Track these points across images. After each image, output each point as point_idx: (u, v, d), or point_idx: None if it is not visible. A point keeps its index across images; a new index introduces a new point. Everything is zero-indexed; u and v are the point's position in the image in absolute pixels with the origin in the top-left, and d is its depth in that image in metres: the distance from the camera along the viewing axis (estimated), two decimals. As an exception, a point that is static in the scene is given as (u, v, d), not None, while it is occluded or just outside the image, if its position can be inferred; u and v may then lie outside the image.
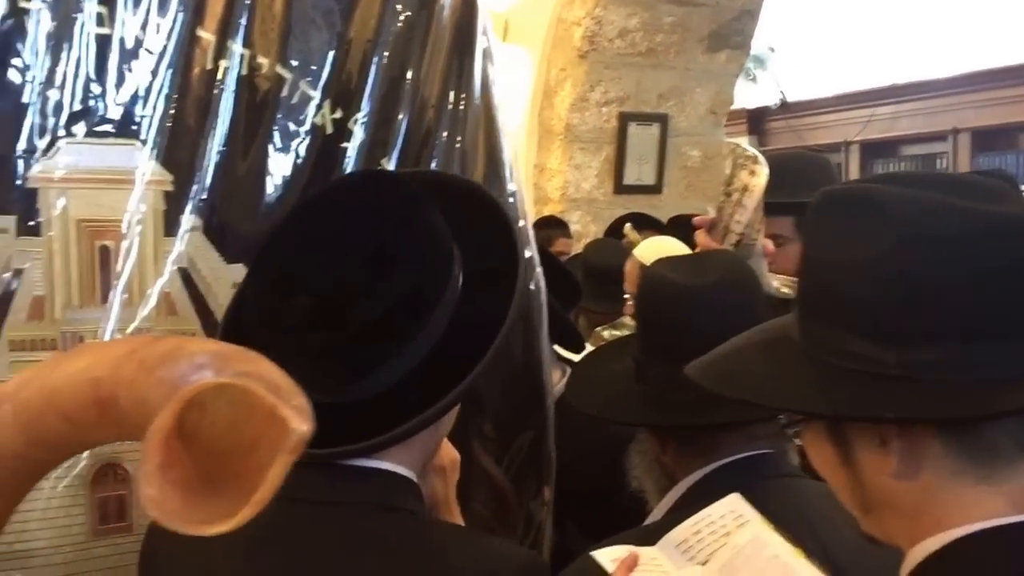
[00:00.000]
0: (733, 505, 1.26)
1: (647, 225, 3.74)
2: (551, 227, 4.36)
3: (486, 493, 1.28)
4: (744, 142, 4.64)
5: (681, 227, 2.81)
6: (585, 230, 4.86)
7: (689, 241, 2.24)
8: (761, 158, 2.03)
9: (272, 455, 0.68)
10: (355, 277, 1.15)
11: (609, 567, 1.25)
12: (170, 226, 1.60)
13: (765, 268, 2.02)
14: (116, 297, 1.55)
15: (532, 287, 1.92)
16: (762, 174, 1.98)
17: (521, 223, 1.93)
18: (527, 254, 1.91)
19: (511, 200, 1.92)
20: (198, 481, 0.70)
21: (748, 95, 8.95)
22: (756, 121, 9.81)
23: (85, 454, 1.53)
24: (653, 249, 2.81)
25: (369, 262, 1.16)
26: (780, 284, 2.03)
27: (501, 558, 1.17)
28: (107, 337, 1.54)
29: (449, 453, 1.34)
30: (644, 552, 1.26)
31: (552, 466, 1.95)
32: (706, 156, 5.35)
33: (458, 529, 1.24)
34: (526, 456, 1.91)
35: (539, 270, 1.94)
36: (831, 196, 1.01)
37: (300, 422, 0.69)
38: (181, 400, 0.69)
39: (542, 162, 5.07)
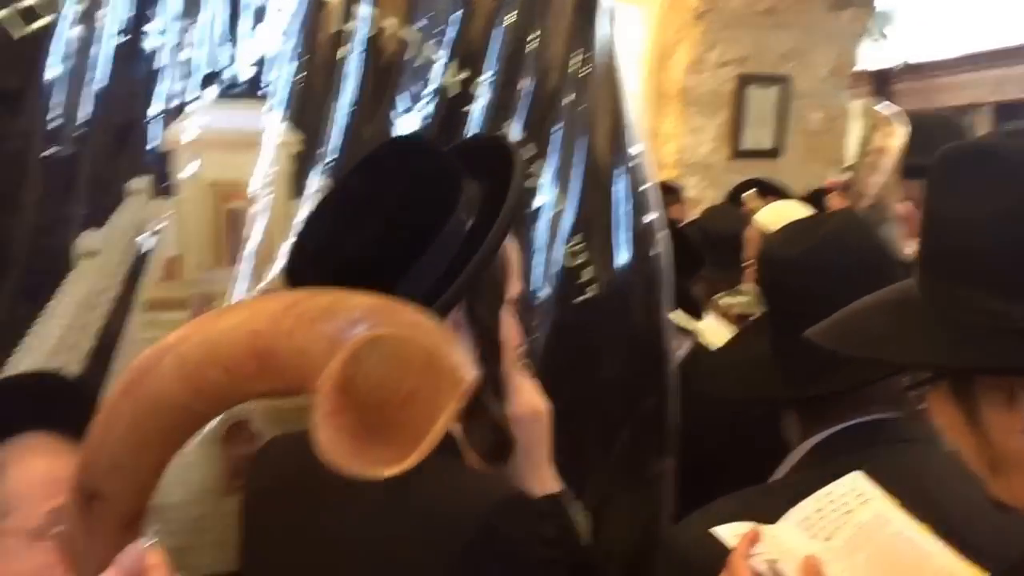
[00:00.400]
0: (855, 483, 1.23)
1: (769, 191, 3.64)
2: (664, 193, 4.27)
3: (487, 436, 1.27)
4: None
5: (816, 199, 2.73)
6: (701, 196, 4.76)
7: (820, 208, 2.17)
8: (897, 120, 1.94)
9: (436, 403, 0.71)
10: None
11: (731, 542, 1.23)
12: (298, 188, 1.61)
13: (899, 232, 1.94)
14: (245, 259, 1.57)
15: (654, 252, 1.89)
16: (898, 136, 1.90)
17: (647, 185, 1.89)
18: (651, 216, 1.88)
19: (636, 163, 1.88)
20: (362, 428, 0.72)
21: (872, 55, 8.63)
22: (881, 83, 9.46)
23: (218, 413, 1.56)
24: (775, 215, 2.73)
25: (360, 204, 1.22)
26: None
27: (478, 492, 1.17)
28: (236, 299, 1.57)
29: (530, 401, 1.34)
30: (766, 529, 1.23)
31: (673, 434, 1.92)
32: (828, 119, 5.17)
33: (449, 466, 1.21)
34: (646, 423, 1.89)
35: (662, 234, 1.90)
36: (955, 153, 1.01)
37: (468, 370, 0.72)
38: (350, 350, 0.71)
39: (656, 127, 4.98)
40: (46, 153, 1.47)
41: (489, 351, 1.26)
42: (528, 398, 1.34)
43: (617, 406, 1.87)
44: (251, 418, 1.59)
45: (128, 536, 0.85)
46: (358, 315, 0.75)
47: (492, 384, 1.26)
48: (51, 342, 1.46)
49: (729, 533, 1.24)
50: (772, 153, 5.05)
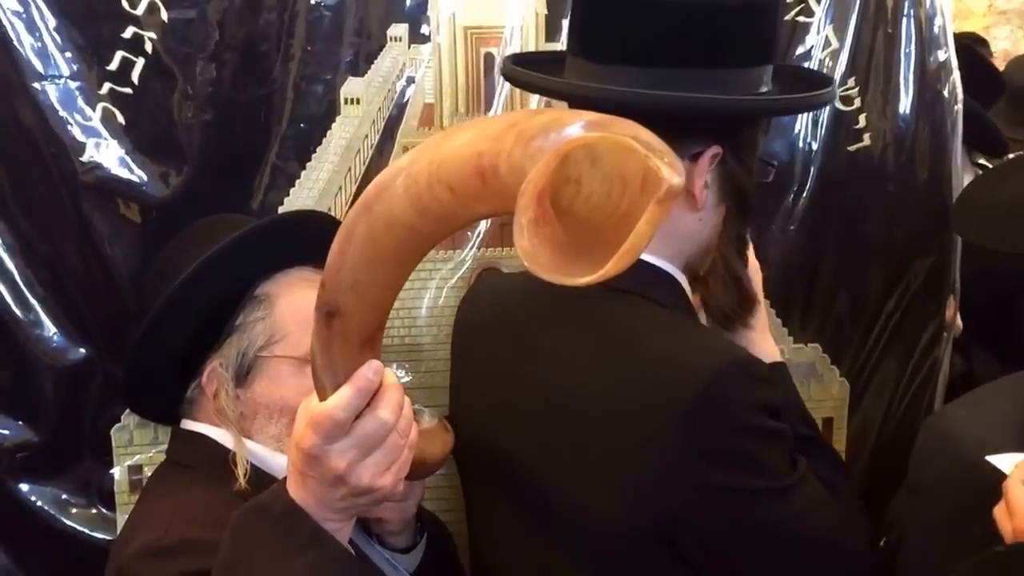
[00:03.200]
0: None
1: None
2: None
3: (728, 294, 1.18)
4: None
5: None
6: (1015, 48, 4.24)
7: None
8: None
9: (639, 207, 0.69)
10: None
11: (1007, 470, 1.13)
12: (552, 31, 1.58)
13: None
14: (498, 103, 1.57)
15: (944, 95, 1.70)
16: None
17: (939, 22, 1.70)
18: (942, 56, 1.69)
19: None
20: (570, 246, 0.72)
21: None
22: None
23: (468, 258, 1.60)
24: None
25: None
26: None
27: (702, 347, 1.10)
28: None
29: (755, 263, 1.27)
30: None
31: (954, 295, 1.76)
32: None
33: (678, 320, 1.16)
34: (923, 283, 1.74)
35: (955, 76, 1.71)
36: None
37: (672, 174, 0.68)
38: (557, 155, 0.70)
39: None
40: (314, 1, 1.52)
41: (738, 204, 1.18)
42: (753, 260, 1.29)
43: (887, 267, 1.73)
44: (500, 264, 1.61)
45: (365, 355, 0.89)
46: (573, 128, 0.74)
47: (737, 240, 1.20)
48: (320, 185, 1.55)
49: (1008, 463, 1.16)
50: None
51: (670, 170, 0.69)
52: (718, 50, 1.10)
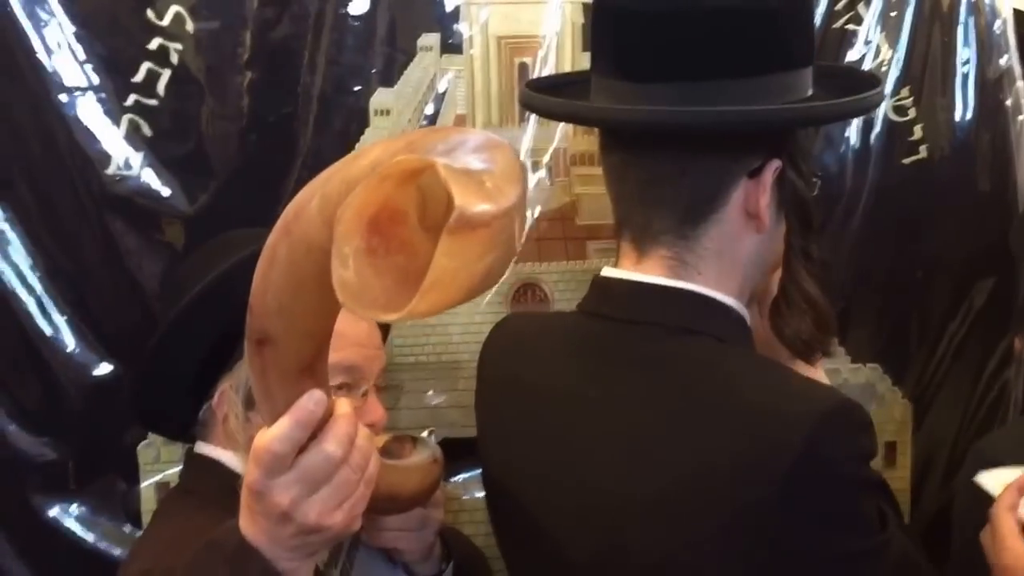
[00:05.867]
0: None
1: None
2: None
3: (803, 320, 1.08)
4: None
5: None
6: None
7: None
8: None
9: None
10: None
11: (995, 491, 1.09)
12: (587, 40, 1.51)
13: None
14: (532, 115, 1.52)
15: (1009, 103, 1.61)
16: None
17: (999, 27, 1.61)
18: (1004, 64, 1.60)
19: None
20: (413, 271, 0.65)
21: None
22: None
23: (508, 273, 1.55)
24: None
25: None
26: None
27: (799, 394, 0.96)
28: (523, 156, 1.52)
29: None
30: None
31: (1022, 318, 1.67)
32: None
33: (764, 361, 1.05)
34: (987, 302, 1.65)
35: (1019, 84, 1.62)
36: None
37: (473, 201, 0.62)
38: (378, 179, 0.65)
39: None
40: (343, 10, 1.48)
41: (801, 219, 1.09)
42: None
43: (948, 285, 1.65)
44: (540, 281, 1.56)
45: (304, 383, 0.83)
46: (444, 147, 0.68)
47: (804, 259, 1.11)
48: (347, 200, 1.50)
49: (994, 482, 1.10)
50: None
51: (476, 197, 0.62)
52: (761, 56, 1.02)
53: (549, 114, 1.19)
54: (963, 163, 1.61)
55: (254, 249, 1.26)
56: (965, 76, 1.60)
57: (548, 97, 1.12)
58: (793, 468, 0.90)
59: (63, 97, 1.45)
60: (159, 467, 1.54)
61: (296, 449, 0.82)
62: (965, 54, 1.59)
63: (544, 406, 1.11)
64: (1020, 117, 1.62)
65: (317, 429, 0.83)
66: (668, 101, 0.99)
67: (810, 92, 1.06)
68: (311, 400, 0.82)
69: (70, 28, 1.44)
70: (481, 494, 1.55)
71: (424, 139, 0.70)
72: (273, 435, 0.82)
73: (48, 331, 1.50)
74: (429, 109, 1.52)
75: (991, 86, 1.60)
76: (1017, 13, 1.61)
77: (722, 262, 1.04)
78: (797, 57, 1.04)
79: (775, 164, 1.02)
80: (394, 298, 0.65)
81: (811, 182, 1.10)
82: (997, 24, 1.60)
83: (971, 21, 1.59)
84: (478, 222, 0.62)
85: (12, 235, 1.48)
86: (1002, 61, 1.60)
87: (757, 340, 1.10)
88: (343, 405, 0.85)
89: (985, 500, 1.10)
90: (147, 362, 1.28)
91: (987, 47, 1.59)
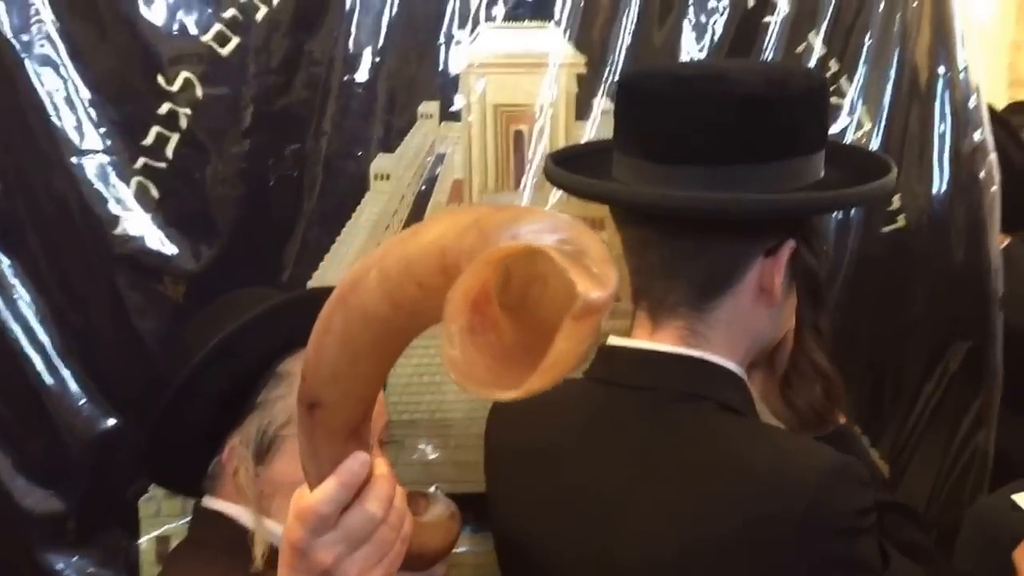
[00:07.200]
0: None
1: None
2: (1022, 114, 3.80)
3: (814, 390, 1.13)
4: None
5: None
6: (1071, 115, 4.19)
7: None
8: None
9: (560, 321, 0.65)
10: None
11: None
12: (581, 109, 1.58)
13: None
14: (528, 181, 1.58)
15: (980, 177, 1.68)
16: None
17: (973, 102, 1.68)
18: (977, 138, 1.67)
19: (962, 76, 1.67)
20: (517, 350, 0.68)
21: None
22: None
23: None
24: None
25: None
26: None
27: (800, 457, 1.01)
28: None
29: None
30: None
31: (995, 382, 1.73)
32: None
33: (761, 426, 1.10)
34: (961, 365, 1.71)
35: (991, 157, 1.68)
36: None
37: (591, 287, 0.64)
38: (484, 262, 0.67)
39: (1021, 38, 4.42)
40: (346, 78, 1.54)
41: (812, 294, 1.15)
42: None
43: (925, 349, 1.70)
44: (533, 340, 1.60)
45: (350, 446, 0.87)
46: (530, 228, 0.70)
47: (815, 332, 1.16)
48: (348, 260, 1.55)
49: None
50: None
51: (591, 283, 0.65)
52: (787, 141, 1.07)
53: (575, 192, 1.21)
54: (939, 232, 1.67)
55: (262, 310, 1.32)
56: (941, 149, 1.66)
57: (573, 175, 1.17)
58: (801, 525, 0.96)
59: (74, 159, 1.50)
60: (160, 521, 1.57)
61: (340, 509, 0.86)
62: (941, 128, 1.66)
63: (554, 474, 1.15)
64: (992, 188, 1.69)
65: (359, 489, 0.87)
66: (692, 184, 1.04)
67: (822, 173, 1.11)
68: (356, 462, 0.85)
69: (85, 93, 1.49)
70: (473, 549, 1.59)
71: (494, 218, 0.73)
72: (320, 496, 0.85)
73: (54, 385, 1.53)
74: (428, 173, 1.58)
75: (966, 159, 1.67)
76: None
77: (731, 331, 1.09)
78: (814, 142, 1.10)
79: (791, 244, 1.08)
80: (498, 375, 0.69)
81: (823, 259, 1.15)
82: (971, 100, 1.67)
83: (947, 96, 1.66)
84: (598, 308, 0.65)
85: (22, 290, 1.52)
86: (976, 135, 1.67)
87: (761, 406, 1.15)
88: (381, 465, 0.89)
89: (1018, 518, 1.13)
90: (158, 418, 1.32)
91: (962, 122, 1.66)
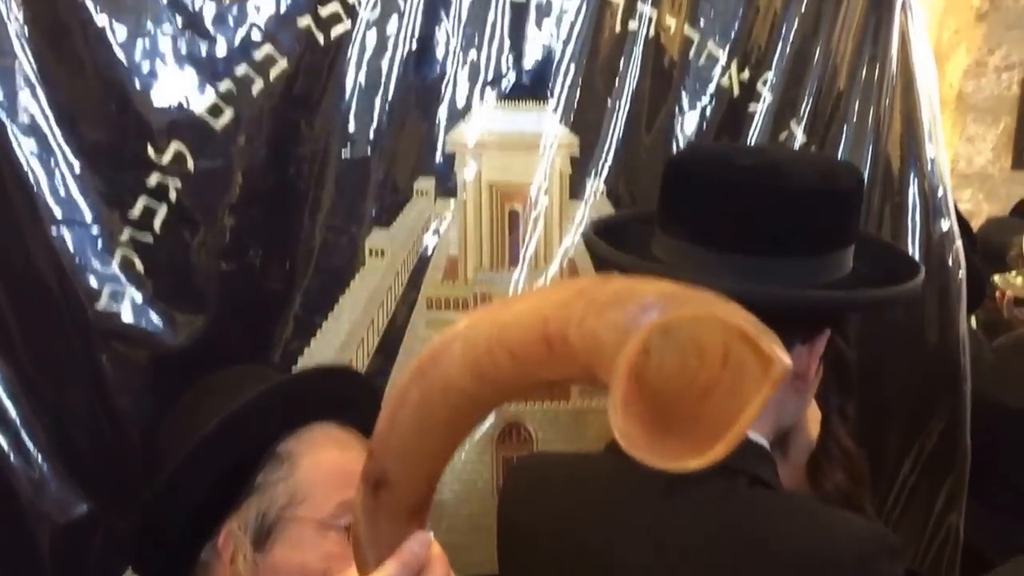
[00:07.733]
0: None
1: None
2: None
3: (841, 471, 1.16)
4: None
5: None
6: (977, 209, 4.43)
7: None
8: None
9: (740, 394, 0.65)
10: None
11: None
12: (576, 190, 1.60)
13: None
14: (523, 260, 1.58)
15: (949, 262, 1.75)
16: None
17: (940, 192, 1.76)
18: (945, 227, 1.74)
19: (929, 167, 1.75)
20: (655, 420, 0.68)
21: None
22: None
23: (492, 414, 1.57)
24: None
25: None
26: None
27: (837, 531, 1.03)
28: (514, 299, 1.57)
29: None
30: None
31: (965, 461, 1.77)
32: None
33: (796, 499, 1.12)
34: (934, 449, 1.75)
35: (958, 244, 1.76)
36: None
37: (783, 355, 0.65)
38: (644, 333, 0.67)
39: (928, 135, 4.67)
40: (344, 155, 1.52)
41: (841, 380, 1.17)
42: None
43: (902, 430, 1.74)
44: (524, 421, 1.59)
45: (412, 526, 0.84)
46: (650, 301, 0.70)
47: (841, 417, 1.18)
48: (341, 337, 1.52)
49: None
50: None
51: (777, 354, 0.66)
52: (834, 236, 1.10)
53: (616, 267, 1.20)
54: (913, 316, 1.73)
55: (266, 389, 1.27)
56: (913, 236, 1.73)
57: (616, 250, 1.17)
58: None
59: (54, 230, 1.43)
60: (141, 615, 1.48)
61: None
62: (912, 216, 1.73)
63: (577, 552, 1.13)
64: (960, 274, 1.76)
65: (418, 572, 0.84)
66: (736, 272, 1.05)
67: (851, 266, 1.14)
68: (417, 543, 0.83)
69: (71, 161, 1.43)
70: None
71: (601, 290, 0.73)
72: None
73: (21, 466, 1.43)
74: (423, 250, 1.56)
75: (936, 245, 1.74)
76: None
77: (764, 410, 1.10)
78: (853, 235, 1.13)
79: (826, 333, 1.10)
80: (651, 443, 0.68)
81: (853, 347, 1.18)
82: (939, 190, 1.75)
83: (916, 186, 1.73)
84: (783, 376, 0.66)
85: (-6, 365, 1.43)
86: (943, 223, 1.75)
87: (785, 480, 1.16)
88: (436, 547, 0.86)
89: None
90: (152, 498, 1.25)
91: (931, 210, 1.74)
